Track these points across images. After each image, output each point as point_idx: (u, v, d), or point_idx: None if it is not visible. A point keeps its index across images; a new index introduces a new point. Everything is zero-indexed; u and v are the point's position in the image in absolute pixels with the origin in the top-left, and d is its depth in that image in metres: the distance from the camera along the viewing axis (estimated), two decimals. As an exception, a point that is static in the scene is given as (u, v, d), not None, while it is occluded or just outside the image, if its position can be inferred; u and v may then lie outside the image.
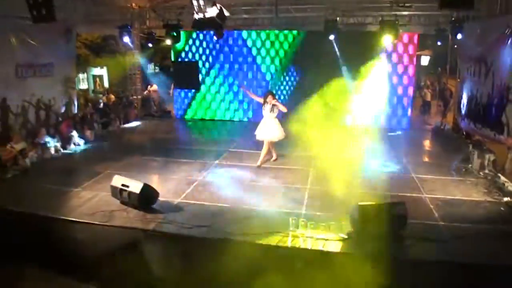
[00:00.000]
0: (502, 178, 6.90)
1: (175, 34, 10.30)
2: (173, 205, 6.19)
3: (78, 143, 9.53)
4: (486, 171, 7.42)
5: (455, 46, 12.04)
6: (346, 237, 5.20)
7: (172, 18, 10.88)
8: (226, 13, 5.17)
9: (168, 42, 10.98)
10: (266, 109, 7.86)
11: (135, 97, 13.40)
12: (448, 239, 5.21)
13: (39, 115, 9.80)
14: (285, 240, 5.22)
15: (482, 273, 4.64)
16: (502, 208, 6.15)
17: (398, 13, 9.55)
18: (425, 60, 24.02)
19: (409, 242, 5.12)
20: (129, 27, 10.52)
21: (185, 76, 12.66)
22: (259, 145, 8.27)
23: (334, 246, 5.10)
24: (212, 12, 4.86)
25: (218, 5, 4.88)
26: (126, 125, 12.22)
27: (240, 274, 4.71)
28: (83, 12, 10.07)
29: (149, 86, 14.26)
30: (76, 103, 11.05)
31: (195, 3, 4.75)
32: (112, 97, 12.69)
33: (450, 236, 5.28)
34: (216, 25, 5.08)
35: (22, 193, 6.87)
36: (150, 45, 11.76)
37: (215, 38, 10.43)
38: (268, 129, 7.88)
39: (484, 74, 9.50)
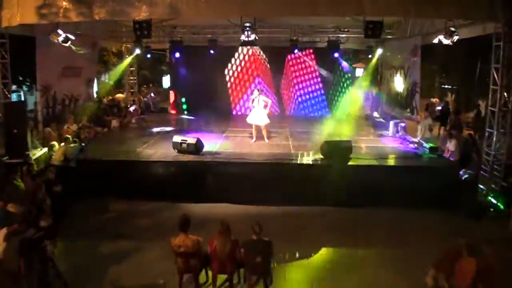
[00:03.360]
0: (409, 136, 13.06)
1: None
2: (214, 151, 11.46)
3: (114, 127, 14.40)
4: (400, 133, 13.56)
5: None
6: (319, 158, 10.77)
7: (166, 34, 16.07)
8: (257, 38, 10.72)
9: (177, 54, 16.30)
10: (255, 103, 12.44)
11: (135, 98, 18.28)
12: (374, 158, 11.02)
13: (70, 107, 14.26)
14: (288, 162, 10.66)
15: (402, 171, 10.46)
16: (410, 148, 12.28)
17: (340, 35, 15.61)
18: (359, 72, 31.85)
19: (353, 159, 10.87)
20: (140, 41, 15.37)
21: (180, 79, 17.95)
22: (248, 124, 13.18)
23: (313, 162, 10.65)
24: (251, 37, 10.32)
25: (253, 35, 10.40)
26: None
27: (264, 177, 10.09)
28: (104, 29, 14.83)
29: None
30: (93, 100, 15.68)
31: (246, 33, 10.16)
32: (121, 96, 17.59)
33: (376, 157, 11.11)
34: (251, 43, 10.62)
35: (102, 152, 11.49)
36: (149, 55, 16.78)
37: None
38: (259, 117, 12.51)
39: (404, 76, 15.90)
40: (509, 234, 8.71)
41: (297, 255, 7.79)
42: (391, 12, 9.23)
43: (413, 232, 8.66)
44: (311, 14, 9.13)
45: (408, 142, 12.82)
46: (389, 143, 12.99)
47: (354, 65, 34.29)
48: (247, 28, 10.25)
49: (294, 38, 15.68)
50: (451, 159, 11.14)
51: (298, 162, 10.71)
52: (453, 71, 20.79)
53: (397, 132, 13.76)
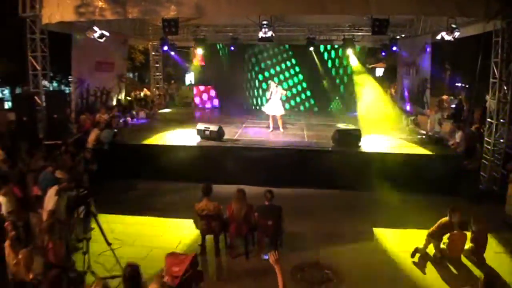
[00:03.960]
0: (417, 128, 13.96)
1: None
2: (233, 139, 12.59)
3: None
4: (410, 126, 14.43)
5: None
6: (331, 146, 11.75)
7: (190, 32, 17.30)
8: (273, 34, 11.89)
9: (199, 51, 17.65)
10: (272, 94, 13.69)
11: (160, 93, 19.75)
12: (383, 146, 11.97)
13: (102, 99, 15.59)
14: (301, 148, 11.72)
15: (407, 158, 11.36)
16: (418, 137, 13.23)
17: (354, 33, 16.51)
18: (379, 72, 32.71)
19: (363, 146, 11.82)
20: (166, 39, 16.62)
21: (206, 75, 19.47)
22: (265, 117, 14.44)
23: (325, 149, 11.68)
24: (268, 33, 11.49)
25: (270, 32, 11.55)
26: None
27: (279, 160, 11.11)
28: (132, 27, 16.13)
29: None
30: (123, 93, 17.03)
31: (263, 30, 11.32)
32: (147, 91, 19.11)
33: (385, 146, 12.06)
34: (268, 40, 11.78)
35: (132, 138, 12.74)
36: (172, 53, 18.17)
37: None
38: (275, 107, 13.73)
39: (415, 73, 16.73)
40: (504, 216, 9.46)
41: (306, 227, 8.73)
42: (395, 10, 10.15)
43: (415, 213, 9.33)
44: (321, 13, 10.14)
45: (416, 134, 13.69)
46: (399, 135, 13.89)
47: (374, 65, 35.25)
48: (264, 26, 11.41)
49: (311, 36, 16.65)
50: (457, 150, 11.95)
51: (311, 148, 11.74)
52: (462, 68, 21.37)
53: (408, 124, 14.65)
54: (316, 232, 8.60)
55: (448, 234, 7.45)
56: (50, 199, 6.73)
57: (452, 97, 19.07)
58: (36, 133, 11.42)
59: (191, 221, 7.70)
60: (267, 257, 5.01)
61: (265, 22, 11.34)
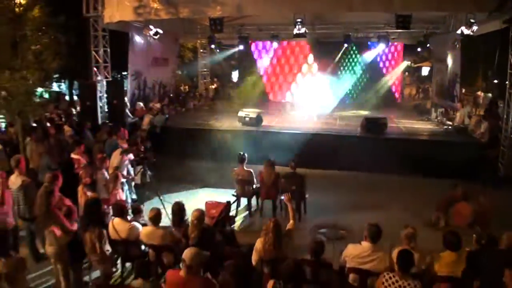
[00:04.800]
0: (445, 120, 14.82)
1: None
2: (270, 125, 14.03)
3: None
4: (439, 118, 15.35)
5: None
6: (359, 131, 12.94)
7: (235, 31, 18.89)
8: (306, 31, 13.30)
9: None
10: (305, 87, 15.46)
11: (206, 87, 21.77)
12: (408, 134, 13.03)
13: (160, 91, 17.55)
14: (331, 133, 13.03)
15: (429, 145, 12.38)
16: (444, 127, 14.14)
17: (389, 30, 17.46)
18: (425, 71, 33.27)
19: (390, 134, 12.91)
20: (213, 37, 18.30)
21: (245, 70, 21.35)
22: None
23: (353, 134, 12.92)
24: (301, 30, 12.94)
25: (303, 29, 12.98)
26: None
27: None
28: (181, 27, 17.91)
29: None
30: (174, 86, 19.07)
31: (297, 27, 12.74)
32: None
33: (410, 133, 13.11)
34: (302, 36, 13.26)
35: (181, 123, 14.48)
36: (217, 50, 19.96)
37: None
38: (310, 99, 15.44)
39: (446, 68, 17.49)
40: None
41: (329, 199, 9.96)
42: (416, 7, 11.10)
43: (433, 193, 9.84)
44: (348, 10, 11.34)
45: (443, 125, 14.58)
46: (426, 125, 14.87)
47: (420, 64, 35.63)
48: (298, 23, 12.84)
49: (347, 33, 17.75)
50: (482, 140, 12.73)
51: (340, 134, 13.03)
52: (491, 63, 21.47)
53: (437, 117, 15.56)
54: (337, 203, 9.80)
55: (453, 206, 8.50)
56: (115, 158, 8.44)
57: (489, 94, 19.55)
58: (97, 115, 13.37)
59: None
60: (283, 197, 6.44)
61: (299, 20, 12.73)
